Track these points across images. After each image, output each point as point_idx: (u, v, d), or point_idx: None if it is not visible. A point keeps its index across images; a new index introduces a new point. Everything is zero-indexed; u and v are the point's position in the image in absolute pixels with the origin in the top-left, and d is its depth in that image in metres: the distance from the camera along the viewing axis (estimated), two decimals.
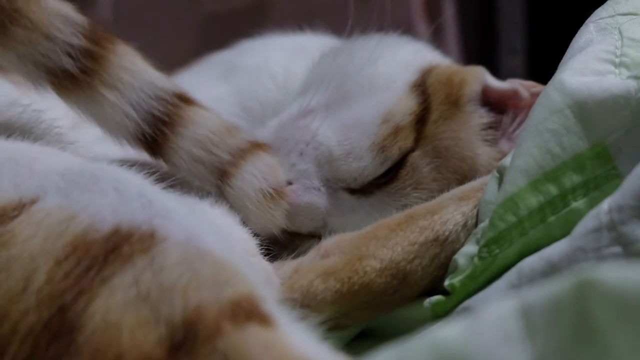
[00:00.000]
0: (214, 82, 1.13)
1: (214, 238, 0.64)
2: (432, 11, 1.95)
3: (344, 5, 1.91)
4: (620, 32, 0.74)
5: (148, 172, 0.71)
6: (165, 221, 0.62)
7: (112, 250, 0.59)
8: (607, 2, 0.78)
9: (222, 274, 0.61)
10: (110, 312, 0.56)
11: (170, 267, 0.59)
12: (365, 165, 0.91)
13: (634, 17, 0.75)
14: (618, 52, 0.71)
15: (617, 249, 0.62)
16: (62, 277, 0.57)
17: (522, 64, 2.07)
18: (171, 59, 0.86)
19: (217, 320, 0.57)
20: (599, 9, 0.79)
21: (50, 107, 1.00)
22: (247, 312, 0.59)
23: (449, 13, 1.97)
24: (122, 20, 2.44)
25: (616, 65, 0.70)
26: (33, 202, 0.62)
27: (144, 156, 0.83)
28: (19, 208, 0.61)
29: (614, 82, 0.69)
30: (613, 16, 0.76)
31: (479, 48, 2.12)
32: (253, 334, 0.58)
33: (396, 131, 0.92)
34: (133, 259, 0.59)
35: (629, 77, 0.68)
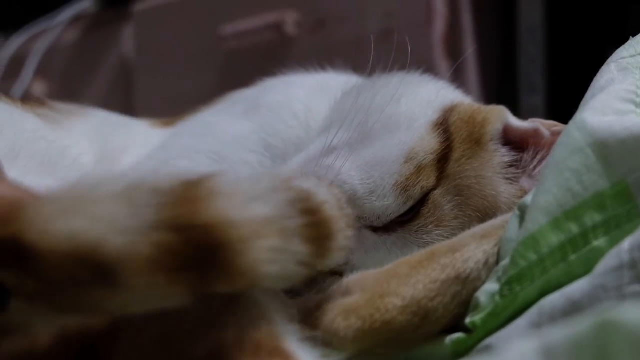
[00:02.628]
0: (237, 120, 1.13)
1: None
2: (453, 49, 1.95)
3: (365, 43, 1.93)
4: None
5: None
6: None
7: None
8: (629, 41, 0.78)
9: (244, 311, 0.61)
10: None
11: (191, 307, 0.59)
12: (389, 205, 0.91)
13: None
14: (639, 92, 0.71)
15: (638, 288, 0.62)
16: None
17: (543, 102, 2.06)
18: (194, 95, 0.86)
19: (240, 358, 0.58)
20: (621, 48, 0.79)
21: (75, 142, 1.01)
22: (270, 349, 0.60)
23: (470, 51, 1.97)
24: (145, 57, 2.46)
25: (637, 105, 0.71)
26: None
27: None
28: None
29: (636, 121, 0.69)
30: (634, 56, 0.76)
31: (500, 86, 2.12)
32: None
33: (419, 170, 0.92)
34: None
35: None
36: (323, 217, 0.62)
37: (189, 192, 0.57)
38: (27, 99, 1.42)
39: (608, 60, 0.79)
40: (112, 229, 0.53)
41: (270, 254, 0.56)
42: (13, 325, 0.58)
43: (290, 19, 2.15)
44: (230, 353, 0.57)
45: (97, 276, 0.53)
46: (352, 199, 0.91)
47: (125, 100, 2.45)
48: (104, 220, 0.54)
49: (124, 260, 0.53)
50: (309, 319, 0.76)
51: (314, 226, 0.61)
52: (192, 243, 0.54)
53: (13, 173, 0.79)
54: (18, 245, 0.53)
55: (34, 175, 0.82)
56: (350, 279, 0.82)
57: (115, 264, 0.52)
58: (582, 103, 0.75)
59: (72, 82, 2.71)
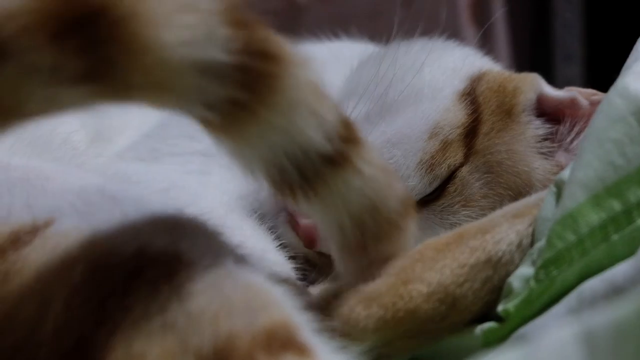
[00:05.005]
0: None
1: (245, 261, 0.65)
2: (481, 13, 1.95)
3: (383, 10, 1.93)
4: None
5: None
6: (192, 244, 0.63)
7: (134, 275, 0.59)
8: None
9: (254, 299, 0.61)
10: (134, 343, 0.57)
11: (198, 293, 0.59)
12: (414, 186, 0.91)
13: None
14: None
15: None
16: (80, 305, 0.58)
17: (580, 72, 2.06)
18: None
19: (251, 351, 0.58)
20: None
21: (65, 119, 1.01)
22: (283, 341, 0.60)
23: (499, 15, 1.96)
24: None
25: None
26: (47, 224, 0.62)
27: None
28: (33, 232, 0.62)
29: None
30: None
31: (532, 54, 2.12)
32: None
33: (445, 146, 0.92)
34: (158, 284, 0.59)
35: None
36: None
37: None
38: None
39: None
40: None
41: (179, 29, 0.57)
42: None
43: None
44: (240, 345, 0.57)
45: None
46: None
47: None
48: None
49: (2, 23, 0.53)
50: (325, 308, 0.76)
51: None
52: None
53: (0, 153, 0.79)
54: None
55: (21, 155, 0.82)
56: None
57: None
58: (624, 68, 0.75)
59: None
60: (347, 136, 0.70)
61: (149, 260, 0.60)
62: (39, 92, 0.56)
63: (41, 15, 0.54)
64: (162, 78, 0.59)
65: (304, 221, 0.88)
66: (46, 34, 0.54)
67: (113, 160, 0.98)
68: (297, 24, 2.06)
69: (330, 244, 0.79)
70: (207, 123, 0.65)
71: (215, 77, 0.60)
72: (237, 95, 0.62)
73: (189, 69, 0.60)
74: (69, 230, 0.62)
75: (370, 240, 0.76)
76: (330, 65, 1.12)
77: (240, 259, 0.64)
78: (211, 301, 0.59)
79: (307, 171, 0.69)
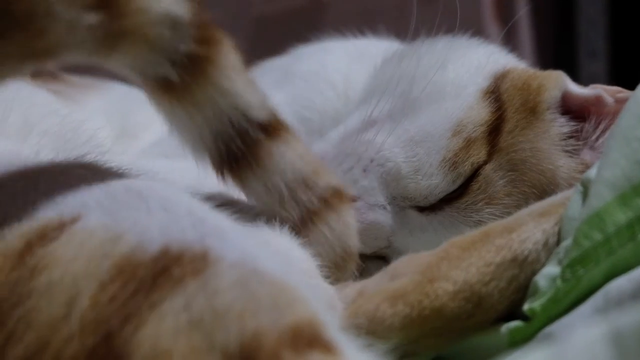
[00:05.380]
0: (268, 91, 1.13)
1: (271, 258, 0.64)
2: (505, 10, 1.95)
3: (407, 6, 1.92)
4: None
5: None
6: (218, 241, 0.62)
7: (161, 272, 0.59)
8: None
9: (281, 297, 0.61)
10: (160, 339, 0.56)
11: (224, 290, 0.59)
12: (437, 184, 0.91)
13: None
14: None
15: None
16: (107, 302, 0.57)
17: (604, 69, 2.05)
18: None
19: (277, 348, 0.57)
20: None
21: (91, 116, 1.02)
22: (309, 339, 0.59)
23: (522, 12, 1.96)
24: None
25: None
26: (74, 220, 0.62)
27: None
28: (60, 228, 0.62)
29: None
30: None
31: (556, 51, 2.11)
32: None
33: (468, 144, 0.92)
34: (184, 281, 0.59)
35: None
36: None
37: None
38: (38, 72, 1.43)
39: None
40: None
41: None
42: None
43: None
44: (266, 342, 0.57)
45: None
46: (396, 178, 0.91)
47: None
48: None
49: None
50: (351, 306, 0.76)
51: None
52: None
53: (27, 150, 0.79)
54: None
55: (48, 151, 0.82)
56: (396, 263, 0.82)
57: None
58: None
59: None
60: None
61: (175, 257, 0.60)
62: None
63: None
64: (142, 23, 0.65)
65: None
66: None
67: (138, 157, 0.99)
68: (322, 20, 2.06)
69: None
70: (166, 87, 0.69)
71: (179, 31, 0.67)
72: (194, 51, 0.68)
73: (162, 19, 0.66)
74: (96, 226, 0.62)
75: (309, 217, 0.80)
76: (355, 63, 1.12)
77: (266, 256, 0.64)
78: (237, 298, 0.59)
79: (246, 137, 0.73)
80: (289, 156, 0.76)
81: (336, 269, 0.82)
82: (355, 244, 0.84)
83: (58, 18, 0.62)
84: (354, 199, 0.89)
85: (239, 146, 0.73)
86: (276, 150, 0.76)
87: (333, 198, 0.80)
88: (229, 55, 0.73)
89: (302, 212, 0.78)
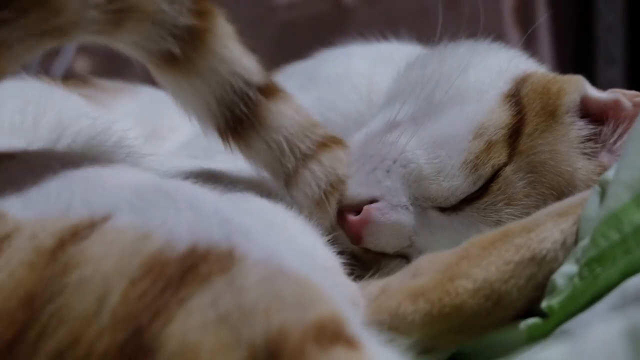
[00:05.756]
0: (292, 94, 1.14)
1: (296, 256, 0.65)
2: (525, 17, 1.94)
3: (429, 11, 1.93)
4: None
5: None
6: (244, 239, 0.63)
7: (189, 269, 0.60)
8: None
9: (305, 293, 0.62)
10: (189, 334, 0.57)
11: (250, 287, 0.59)
12: (458, 185, 0.92)
13: None
14: None
15: None
16: (137, 298, 0.58)
17: (622, 75, 2.04)
18: None
19: (302, 343, 0.58)
20: None
21: (120, 118, 1.03)
22: (332, 334, 0.60)
23: (542, 19, 1.95)
24: None
25: None
26: (105, 220, 0.63)
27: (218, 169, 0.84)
28: (91, 226, 0.62)
29: None
30: None
31: (575, 56, 2.11)
32: (339, 358, 0.59)
33: (489, 147, 0.92)
34: (211, 278, 0.60)
35: None
36: None
37: None
38: (69, 77, 1.43)
39: None
40: None
41: None
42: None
43: None
44: (291, 337, 0.58)
45: None
46: (418, 179, 0.92)
47: None
48: None
49: None
50: (373, 303, 0.77)
51: None
52: None
53: (59, 151, 0.80)
54: None
55: (80, 152, 0.83)
56: (418, 261, 0.82)
57: None
58: None
59: (117, 57, 2.70)
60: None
61: (202, 255, 0.61)
62: None
63: None
64: (124, 9, 0.67)
65: (351, 217, 0.89)
66: None
67: (167, 158, 0.99)
68: (345, 25, 2.06)
69: (273, 177, 0.83)
70: (169, 61, 0.71)
71: (178, 5, 0.68)
72: (193, 23, 0.70)
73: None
74: (126, 225, 0.63)
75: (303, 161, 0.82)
76: (379, 67, 1.12)
77: (290, 254, 0.65)
78: (263, 295, 0.60)
79: (247, 101, 0.76)
80: (287, 112, 0.79)
81: (318, 207, 0.83)
82: (344, 172, 0.86)
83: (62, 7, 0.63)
84: (375, 200, 0.90)
85: (242, 110, 0.75)
86: (275, 108, 0.78)
87: (329, 142, 0.83)
88: (224, 26, 0.75)
89: (298, 161, 0.80)
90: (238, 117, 0.74)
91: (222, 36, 0.72)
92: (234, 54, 0.73)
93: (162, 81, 0.73)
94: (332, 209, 0.84)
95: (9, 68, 0.65)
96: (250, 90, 0.74)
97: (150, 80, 1.31)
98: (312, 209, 0.82)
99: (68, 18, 0.64)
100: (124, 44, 0.69)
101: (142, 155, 0.93)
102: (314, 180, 0.81)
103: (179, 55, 0.70)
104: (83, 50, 2.63)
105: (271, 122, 0.76)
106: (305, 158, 0.80)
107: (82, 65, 2.58)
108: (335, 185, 0.82)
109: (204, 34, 0.71)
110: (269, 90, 0.75)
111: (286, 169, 0.80)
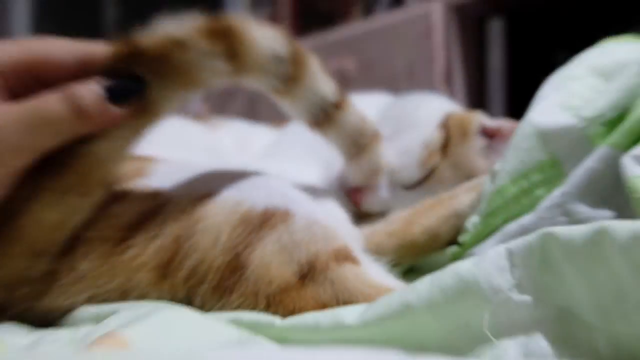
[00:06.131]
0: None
1: (324, 214, 0.66)
2: (449, 78, 1.94)
3: (400, 77, 1.91)
4: (566, 89, 0.73)
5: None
6: (295, 205, 0.63)
7: (264, 221, 0.61)
8: (559, 71, 0.77)
9: (329, 234, 0.62)
10: (264, 256, 0.58)
11: (298, 230, 0.60)
12: (413, 175, 0.92)
13: (576, 79, 0.74)
14: (565, 102, 0.71)
15: (563, 219, 0.62)
16: (235, 237, 0.59)
17: (504, 108, 2.03)
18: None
19: (327, 261, 0.59)
20: (554, 75, 0.78)
21: (223, 139, 1.03)
22: (344, 256, 0.61)
23: (458, 82, 1.96)
24: None
25: (564, 109, 0.70)
26: (213, 195, 0.63)
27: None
28: (209, 195, 0.63)
29: (563, 119, 0.68)
30: (563, 78, 0.75)
31: (477, 99, 2.10)
32: (348, 268, 0.60)
33: (430, 154, 0.92)
34: (276, 226, 0.61)
35: (571, 117, 0.67)
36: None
37: None
38: (193, 114, 1.44)
39: (545, 81, 0.78)
40: None
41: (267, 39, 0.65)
42: (149, 105, 0.60)
43: (349, 63, 2.15)
44: (321, 258, 0.58)
45: None
46: (392, 173, 0.92)
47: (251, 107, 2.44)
48: None
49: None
50: (366, 239, 0.77)
51: None
52: None
53: (193, 160, 0.80)
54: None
55: (204, 159, 0.84)
56: (391, 216, 0.82)
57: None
58: (531, 107, 0.75)
59: (219, 100, 2.65)
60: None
61: (271, 213, 0.61)
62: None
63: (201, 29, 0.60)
64: (261, 62, 0.65)
65: (357, 193, 0.90)
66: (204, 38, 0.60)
67: (253, 159, 1.00)
68: (349, 86, 2.06)
69: (344, 157, 0.82)
70: (277, 91, 0.69)
71: (281, 61, 0.66)
72: (291, 70, 0.67)
73: (270, 56, 0.66)
74: (228, 196, 0.63)
75: (361, 149, 0.81)
76: (371, 109, 1.12)
77: (321, 212, 0.65)
78: (305, 234, 0.60)
79: (326, 110, 0.73)
80: (352, 118, 0.77)
81: (365, 177, 0.85)
82: (381, 157, 0.87)
83: (204, 64, 0.61)
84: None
85: (322, 115, 0.73)
86: (343, 114, 0.75)
87: (375, 134, 0.82)
88: (313, 65, 0.71)
89: (359, 147, 0.80)
90: (321, 119, 0.73)
91: (312, 73, 0.70)
92: (318, 84, 0.70)
93: (276, 102, 0.72)
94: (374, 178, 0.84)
95: (163, 115, 0.63)
96: (328, 105, 0.72)
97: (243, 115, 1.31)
98: (361, 178, 0.83)
99: (200, 77, 0.62)
100: (247, 83, 0.67)
101: (237, 158, 0.94)
102: (369, 161, 0.80)
103: (283, 89, 0.68)
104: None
105: (341, 122, 0.74)
106: (363, 146, 0.79)
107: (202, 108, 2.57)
108: (376, 165, 0.82)
109: (299, 76, 0.69)
110: (339, 104, 0.73)
111: (350, 151, 0.79)
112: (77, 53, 0.58)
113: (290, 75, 0.67)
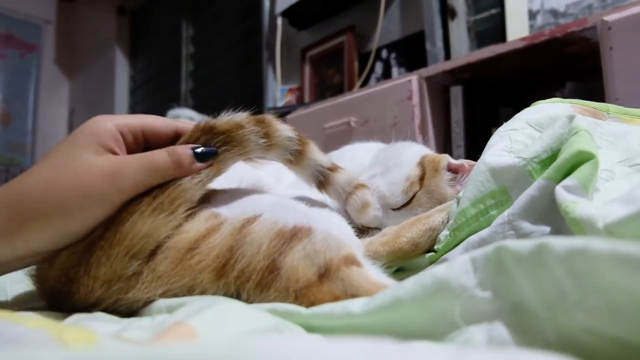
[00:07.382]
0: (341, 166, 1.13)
1: (337, 229, 0.64)
2: (424, 130, 1.93)
3: (386, 129, 1.90)
4: (509, 137, 0.72)
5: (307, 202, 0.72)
6: (315, 222, 0.62)
7: (293, 235, 0.59)
8: (504, 124, 0.76)
9: (339, 244, 0.61)
10: (294, 261, 0.57)
11: (318, 242, 0.59)
12: (399, 201, 0.90)
13: (517, 130, 0.73)
14: (509, 147, 0.70)
15: (512, 233, 0.60)
16: (272, 247, 0.58)
17: (465, 152, 2.01)
18: None
19: (338, 264, 0.57)
20: (501, 127, 0.77)
21: (265, 175, 1.02)
22: (351, 260, 0.59)
23: (430, 132, 1.95)
24: None
25: (509, 152, 0.69)
26: (258, 216, 0.62)
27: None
28: (254, 219, 0.61)
29: (508, 159, 0.67)
30: (507, 130, 0.74)
31: (445, 145, 2.08)
32: (354, 270, 0.58)
33: (411, 184, 0.90)
34: (302, 239, 0.59)
35: (515, 157, 0.66)
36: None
37: None
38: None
39: (495, 132, 0.77)
40: None
41: None
42: (218, 162, 0.65)
43: (352, 120, 2.15)
44: (334, 262, 0.57)
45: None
46: (383, 198, 0.90)
47: None
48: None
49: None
50: (366, 248, 0.76)
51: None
52: None
53: (242, 187, 0.80)
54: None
55: (250, 187, 0.83)
56: (384, 230, 0.80)
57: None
58: (484, 151, 0.74)
59: None
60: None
61: (298, 230, 0.60)
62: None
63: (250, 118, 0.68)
64: (281, 141, 0.70)
65: None
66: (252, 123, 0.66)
67: (285, 190, 0.99)
68: (350, 138, 2.06)
69: (337, 201, 0.80)
70: (290, 161, 0.72)
71: (292, 141, 0.70)
72: (297, 148, 0.71)
73: (286, 137, 0.72)
74: (267, 218, 0.61)
75: (349, 195, 0.80)
76: (368, 153, 1.11)
77: (334, 228, 0.64)
78: (323, 245, 0.59)
79: (324, 175, 0.76)
80: (341, 177, 0.77)
81: (357, 212, 0.81)
82: (368, 199, 0.83)
83: (251, 139, 0.66)
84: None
85: (322, 178, 0.75)
86: (335, 175, 0.76)
87: (360, 185, 0.80)
88: (312, 145, 0.74)
89: (348, 194, 0.78)
90: (321, 181, 0.74)
91: (312, 151, 0.73)
92: (317, 157, 0.72)
93: (288, 168, 0.74)
94: (366, 213, 0.83)
95: (227, 168, 0.67)
96: (325, 170, 0.74)
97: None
98: (356, 213, 0.80)
99: (247, 151, 0.66)
100: (270, 157, 0.70)
101: (274, 188, 0.93)
102: (357, 201, 0.79)
103: (293, 160, 0.71)
104: None
105: (334, 181, 0.74)
106: (350, 192, 0.77)
107: None
108: (364, 203, 0.80)
109: (303, 151, 0.72)
110: (332, 169, 0.74)
111: (343, 197, 0.77)
112: (173, 126, 0.64)
113: (297, 150, 0.71)
